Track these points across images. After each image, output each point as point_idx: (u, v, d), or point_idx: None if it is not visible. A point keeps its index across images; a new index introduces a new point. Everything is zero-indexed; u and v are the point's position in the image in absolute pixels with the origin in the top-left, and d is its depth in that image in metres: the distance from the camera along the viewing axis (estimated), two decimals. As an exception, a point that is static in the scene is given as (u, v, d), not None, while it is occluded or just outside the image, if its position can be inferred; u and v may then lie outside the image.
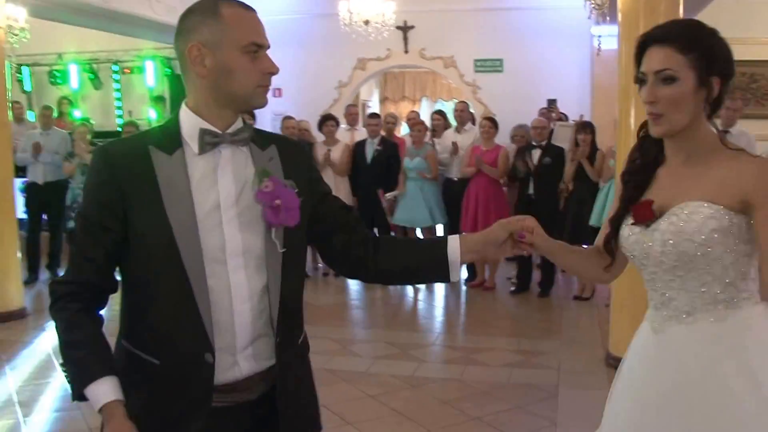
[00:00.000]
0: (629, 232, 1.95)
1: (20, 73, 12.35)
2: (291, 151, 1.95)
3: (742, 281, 1.87)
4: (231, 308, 1.77)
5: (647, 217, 1.90)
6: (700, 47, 1.84)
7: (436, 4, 10.07)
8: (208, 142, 1.79)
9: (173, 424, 1.78)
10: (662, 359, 1.92)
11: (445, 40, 10.28)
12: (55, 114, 9.65)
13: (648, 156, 2.00)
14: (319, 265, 8.49)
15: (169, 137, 1.80)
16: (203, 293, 1.74)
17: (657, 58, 1.84)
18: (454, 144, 8.24)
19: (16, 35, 6.62)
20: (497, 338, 6.16)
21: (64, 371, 1.78)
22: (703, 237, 1.81)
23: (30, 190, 8.51)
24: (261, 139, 1.89)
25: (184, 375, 1.76)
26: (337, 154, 8.36)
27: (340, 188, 8.26)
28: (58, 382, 4.97)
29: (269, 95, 1.83)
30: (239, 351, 1.80)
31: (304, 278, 2.01)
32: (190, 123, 1.81)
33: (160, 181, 1.74)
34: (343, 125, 9.27)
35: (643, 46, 1.89)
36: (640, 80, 1.89)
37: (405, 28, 10.27)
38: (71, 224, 8.12)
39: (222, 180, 1.79)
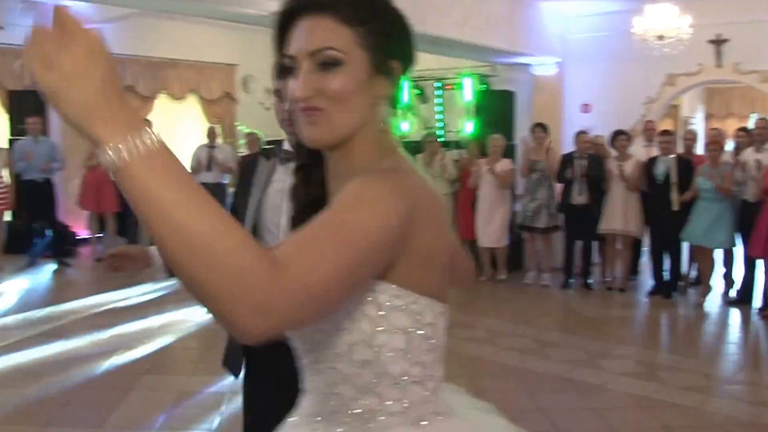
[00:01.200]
0: None
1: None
2: None
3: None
4: None
5: None
6: (374, 16, 1.25)
7: (755, 14, 9.54)
8: (282, 156, 2.36)
9: None
10: None
11: (763, 52, 9.68)
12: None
13: (309, 182, 1.35)
14: (606, 279, 8.67)
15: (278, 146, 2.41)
16: None
17: (312, 33, 1.21)
18: (756, 162, 7.85)
19: None
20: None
21: None
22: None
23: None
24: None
25: None
26: (629, 169, 8.42)
27: (630, 204, 8.33)
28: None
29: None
30: None
31: None
32: None
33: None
34: (641, 141, 9.25)
35: (288, 17, 1.25)
36: (286, 69, 1.24)
37: (718, 42, 9.87)
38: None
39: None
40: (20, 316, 6.79)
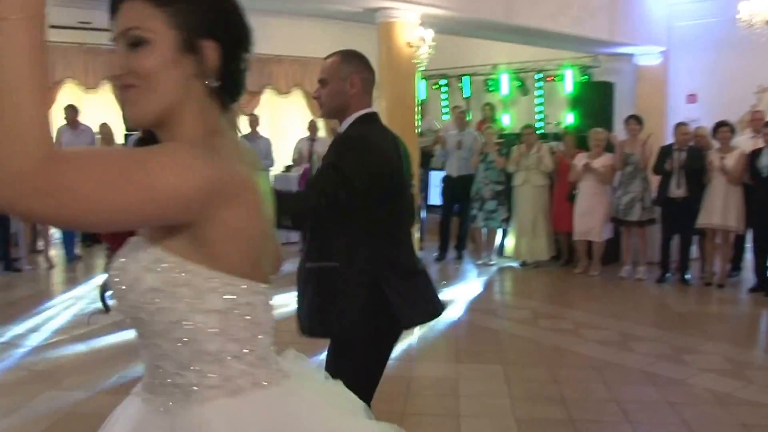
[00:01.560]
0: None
1: (461, 82, 14.14)
2: None
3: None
4: None
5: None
6: None
7: None
8: None
9: None
10: None
11: None
12: (468, 117, 10.96)
13: None
14: (705, 274, 8.43)
15: None
16: None
17: (125, 15, 1.27)
18: None
19: (426, 50, 7.91)
20: None
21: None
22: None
23: (445, 181, 9.93)
24: None
25: None
26: (731, 161, 8.14)
27: (731, 198, 8.06)
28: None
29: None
30: None
31: None
32: None
33: None
34: (749, 132, 8.90)
35: (114, 2, 1.30)
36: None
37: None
38: (473, 212, 9.34)
39: None
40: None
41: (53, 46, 11.16)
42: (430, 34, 8.20)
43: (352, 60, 2.82)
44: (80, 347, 5.75)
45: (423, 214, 10.39)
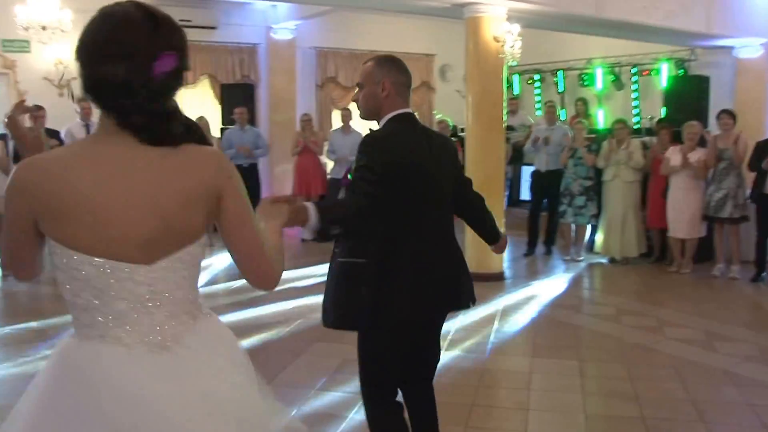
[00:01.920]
0: None
1: (556, 77, 13.99)
2: None
3: None
4: None
5: None
6: None
7: None
8: None
9: None
10: None
11: None
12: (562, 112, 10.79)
13: None
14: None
15: None
16: None
17: None
18: None
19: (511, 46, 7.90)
20: None
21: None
22: None
23: (534, 176, 9.90)
24: None
25: None
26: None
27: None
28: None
29: None
30: None
31: None
32: None
33: None
34: None
35: None
36: None
37: None
38: (562, 208, 9.28)
39: None
40: (222, 286, 7.63)
41: (157, 45, 11.71)
42: (516, 28, 8.18)
43: (384, 65, 2.99)
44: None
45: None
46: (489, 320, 6.53)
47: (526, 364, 5.42)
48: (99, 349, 1.69)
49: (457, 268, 3.08)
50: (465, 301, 3.13)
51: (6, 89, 10.54)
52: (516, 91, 14.43)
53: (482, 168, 7.77)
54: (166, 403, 1.65)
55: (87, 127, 9.07)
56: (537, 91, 14.48)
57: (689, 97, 10.16)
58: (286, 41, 12.82)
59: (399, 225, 2.88)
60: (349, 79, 13.52)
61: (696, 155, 8.40)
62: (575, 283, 8.35)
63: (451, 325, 6.12)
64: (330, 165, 11.08)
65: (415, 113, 3.15)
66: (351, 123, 10.78)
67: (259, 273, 1.86)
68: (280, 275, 1.92)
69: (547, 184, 9.61)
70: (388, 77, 2.94)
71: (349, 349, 5.55)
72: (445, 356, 4.90)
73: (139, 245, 1.68)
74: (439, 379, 3.38)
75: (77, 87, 9.93)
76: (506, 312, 6.86)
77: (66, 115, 9.51)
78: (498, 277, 8.02)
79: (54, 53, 10.91)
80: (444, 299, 3.05)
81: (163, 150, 1.70)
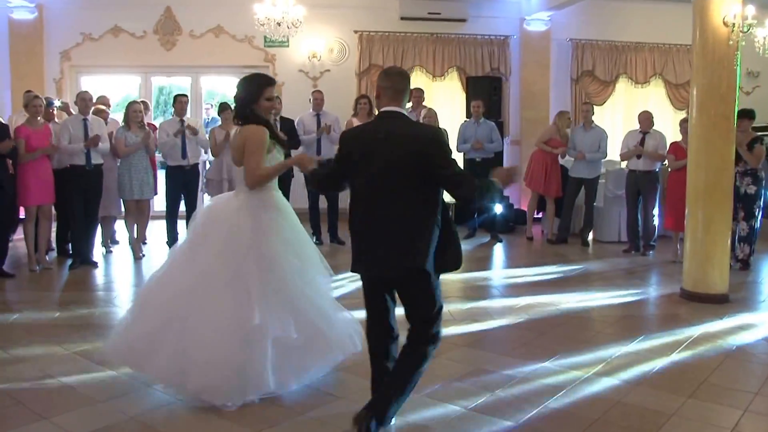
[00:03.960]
0: None
1: None
2: None
3: None
4: None
5: None
6: None
7: None
8: None
9: None
10: None
11: None
12: None
13: None
14: None
15: None
16: None
17: None
18: None
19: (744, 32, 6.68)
20: None
21: None
22: None
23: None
24: None
25: None
26: None
27: None
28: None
29: None
30: None
31: None
32: None
33: None
34: None
35: None
36: None
37: None
38: None
39: None
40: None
41: (405, 36, 11.98)
42: (751, 10, 6.92)
43: (379, 73, 3.94)
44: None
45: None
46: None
47: None
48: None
49: (392, 239, 3.58)
50: (393, 269, 3.63)
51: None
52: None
53: (703, 172, 6.83)
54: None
55: (317, 117, 9.57)
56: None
57: None
58: (539, 33, 12.42)
59: (352, 197, 3.78)
60: (607, 72, 12.74)
61: None
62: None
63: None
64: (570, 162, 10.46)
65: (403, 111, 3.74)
66: (593, 118, 10.14)
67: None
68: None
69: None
70: (378, 83, 3.82)
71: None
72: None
73: None
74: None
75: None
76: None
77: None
78: (721, 299, 6.93)
79: (309, 47, 11.65)
80: (373, 263, 3.68)
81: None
